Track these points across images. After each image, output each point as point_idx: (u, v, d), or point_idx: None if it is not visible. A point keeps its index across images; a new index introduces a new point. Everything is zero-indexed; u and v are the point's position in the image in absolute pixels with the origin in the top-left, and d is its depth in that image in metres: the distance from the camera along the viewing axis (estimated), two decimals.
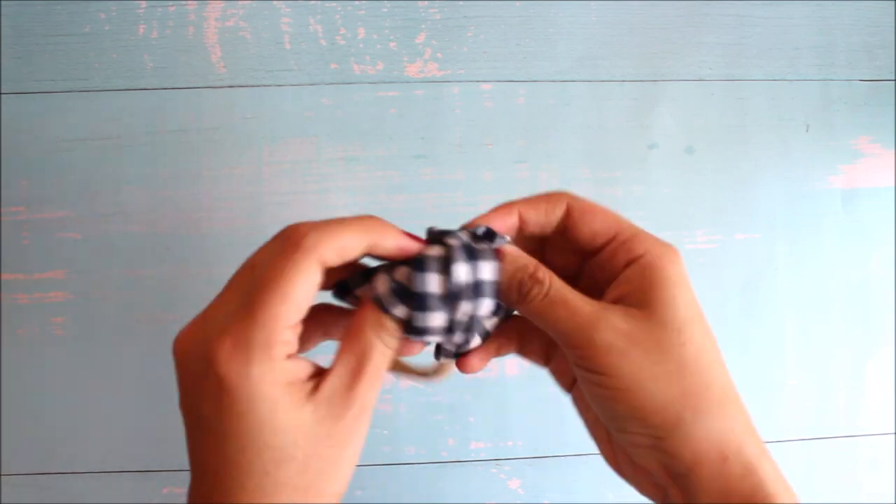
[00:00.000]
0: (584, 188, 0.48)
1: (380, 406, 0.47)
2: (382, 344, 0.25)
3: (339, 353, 0.25)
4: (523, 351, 0.30)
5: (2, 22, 0.47)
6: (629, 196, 0.48)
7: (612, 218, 0.27)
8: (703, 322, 0.26)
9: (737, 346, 0.48)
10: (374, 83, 0.48)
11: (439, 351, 0.28)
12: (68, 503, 0.45)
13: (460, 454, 0.47)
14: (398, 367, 0.29)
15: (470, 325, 0.26)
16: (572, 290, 0.26)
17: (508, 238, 0.28)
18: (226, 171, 0.47)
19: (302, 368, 0.24)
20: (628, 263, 0.26)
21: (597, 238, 0.27)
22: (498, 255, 0.26)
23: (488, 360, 0.29)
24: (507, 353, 0.30)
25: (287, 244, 0.23)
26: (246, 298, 0.23)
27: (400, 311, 0.25)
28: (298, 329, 0.24)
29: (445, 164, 0.48)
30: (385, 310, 0.25)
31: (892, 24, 0.51)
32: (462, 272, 0.25)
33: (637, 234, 0.27)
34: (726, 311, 0.48)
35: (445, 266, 0.25)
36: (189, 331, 0.24)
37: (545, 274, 0.26)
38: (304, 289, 0.23)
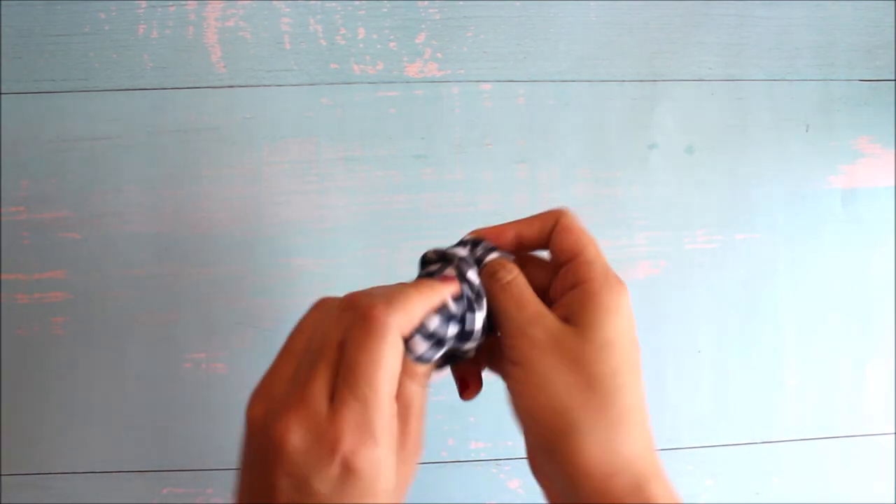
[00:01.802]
0: (584, 188, 0.48)
1: None
2: (417, 385, 0.27)
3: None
4: (491, 365, 0.32)
5: (2, 22, 0.47)
6: (629, 196, 0.48)
7: (581, 240, 0.29)
8: (629, 351, 0.27)
9: (737, 346, 0.48)
10: (374, 83, 0.48)
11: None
12: (68, 503, 0.45)
13: (460, 454, 0.47)
14: None
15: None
16: (531, 290, 0.29)
17: (511, 256, 0.30)
18: (226, 171, 0.47)
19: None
20: (574, 285, 0.28)
21: (563, 255, 0.29)
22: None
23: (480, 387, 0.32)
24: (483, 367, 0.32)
25: (369, 323, 0.25)
26: (342, 383, 0.24)
27: (425, 349, 0.27)
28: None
29: (445, 164, 0.48)
30: (415, 356, 0.27)
31: (892, 24, 0.51)
32: (480, 318, 0.28)
33: (592, 261, 0.28)
34: (726, 311, 0.48)
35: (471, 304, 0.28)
36: (273, 412, 0.25)
37: (514, 268, 0.29)
38: (397, 362, 0.25)
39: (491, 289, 0.29)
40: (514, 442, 0.47)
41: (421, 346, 0.26)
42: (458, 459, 0.47)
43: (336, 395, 0.24)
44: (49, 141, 0.47)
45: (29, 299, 0.46)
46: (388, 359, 0.25)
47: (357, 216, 0.47)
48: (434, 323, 0.26)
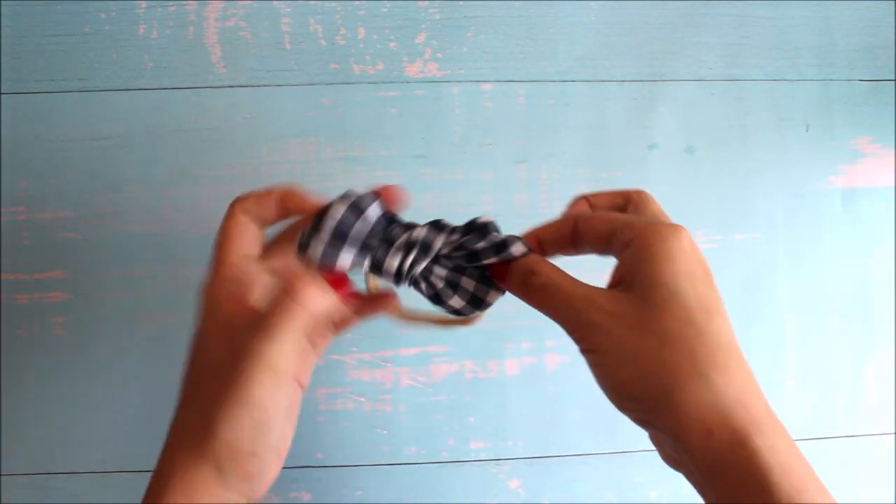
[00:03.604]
0: (584, 188, 0.48)
1: (380, 406, 0.47)
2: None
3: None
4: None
5: (2, 22, 0.47)
6: None
7: (610, 216, 0.29)
8: (700, 293, 0.26)
9: None
10: (374, 83, 0.48)
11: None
12: (68, 503, 0.45)
13: (460, 454, 0.47)
14: (416, 319, 0.32)
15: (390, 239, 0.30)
16: (567, 277, 0.28)
17: (525, 248, 0.30)
18: (226, 171, 0.47)
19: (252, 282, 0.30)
20: (624, 249, 0.27)
21: (601, 236, 0.28)
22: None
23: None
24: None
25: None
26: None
27: (313, 250, 0.29)
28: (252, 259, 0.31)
29: (445, 164, 0.48)
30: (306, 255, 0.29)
31: (892, 24, 0.51)
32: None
33: (629, 221, 0.28)
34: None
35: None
36: None
37: (541, 266, 0.29)
38: (234, 229, 0.32)
39: (525, 295, 0.29)
40: (514, 442, 0.47)
41: (318, 249, 0.29)
42: (458, 459, 0.47)
43: None
44: (49, 141, 0.46)
45: (29, 299, 0.46)
46: (224, 227, 0.32)
47: None
48: (330, 225, 0.29)
